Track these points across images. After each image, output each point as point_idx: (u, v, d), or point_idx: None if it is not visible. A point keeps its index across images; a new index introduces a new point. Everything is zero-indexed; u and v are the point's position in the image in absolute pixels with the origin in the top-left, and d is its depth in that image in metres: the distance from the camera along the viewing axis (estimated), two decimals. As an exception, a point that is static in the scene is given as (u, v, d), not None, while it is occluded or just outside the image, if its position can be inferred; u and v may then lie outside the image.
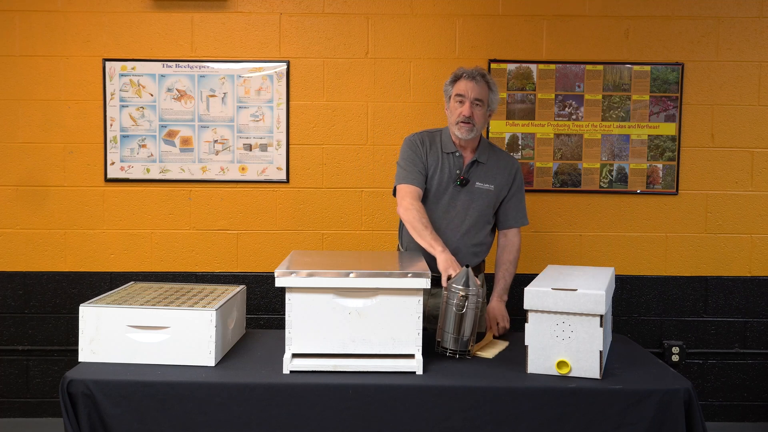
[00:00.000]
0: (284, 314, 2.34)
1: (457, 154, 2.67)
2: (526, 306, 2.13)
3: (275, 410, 2.02)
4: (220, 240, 3.54)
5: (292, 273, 2.10)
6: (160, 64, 3.48)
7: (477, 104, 2.59)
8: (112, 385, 2.04)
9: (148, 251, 3.54)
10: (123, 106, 3.50)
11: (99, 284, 3.52)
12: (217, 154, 3.51)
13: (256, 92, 3.50)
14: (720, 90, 3.53)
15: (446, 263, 2.39)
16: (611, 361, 2.28)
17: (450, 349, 2.27)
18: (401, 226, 2.77)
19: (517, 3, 3.50)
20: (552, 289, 2.10)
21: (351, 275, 2.11)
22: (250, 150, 3.51)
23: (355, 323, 2.12)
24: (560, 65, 3.51)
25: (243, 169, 3.52)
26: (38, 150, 3.51)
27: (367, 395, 2.03)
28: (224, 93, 3.50)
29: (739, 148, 3.55)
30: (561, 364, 2.10)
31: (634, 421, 2.01)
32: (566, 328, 2.10)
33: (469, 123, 2.58)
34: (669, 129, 3.53)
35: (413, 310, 2.12)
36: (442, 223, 2.65)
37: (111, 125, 3.50)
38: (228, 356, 2.30)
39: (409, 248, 2.72)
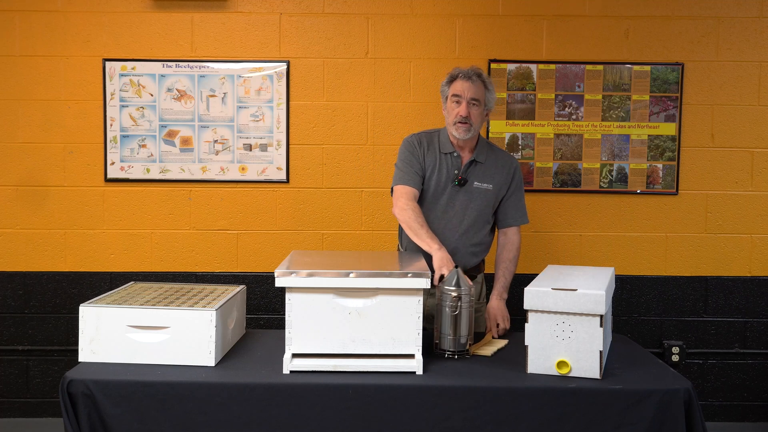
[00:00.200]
0: (284, 314, 2.34)
1: (455, 154, 2.67)
2: (526, 306, 2.13)
3: (275, 410, 2.02)
4: (220, 240, 3.54)
5: (292, 273, 2.10)
6: (160, 64, 3.48)
7: (474, 104, 2.59)
8: (112, 385, 2.04)
9: (148, 251, 3.54)
10: (123, 106, 3.50)
11: (99, 284, 3.52)
12: (217, 154, 3.51)
13: (256, 92, 3.50)
14: (720, 90, 3.53)
15: (440, 261, 2.40)
16: (611, 361, 2.28)
17: (448, 351, 2.28)
18: (400, 227, 2.77)
19: (517, 3, 3.50)
20: (552, 289, 2.10)
21: (351, 275, 2.11)
22: (250, 150, 3.52)
23: (355, 323, 2.12)
24: (560, 65, 3.51)
25: (243, 169, 3.52)
26: (38, 150, 3.51)
27: (367, 395, 2.03)
28: (224, 93, 3.50)
29: (739, 148, 3.55)
30: (561, 364, 2.10)
31: (634, 421, 2.01)
32: (566, 328, 2.10)
33: (466, 123, 2.58)
34: (669, 129, 3.53)
35: (413, 310, 2.12)
36: (441, 223, 2.65)
37: (111, 125, 3.50)
38: (228, 356, 2.30)
39: (409, 248, 2.72)
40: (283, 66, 3.50)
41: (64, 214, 3.52)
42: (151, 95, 3.50)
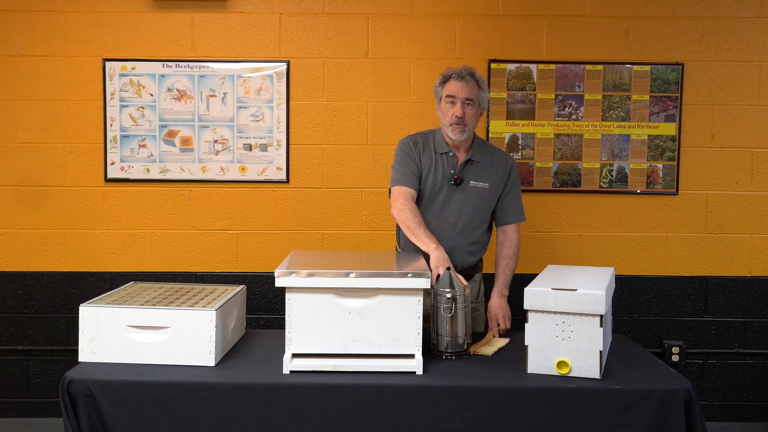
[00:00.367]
0: (284, 314, 2.34)
1: (451, 154, 2.68)
2: (526, 306, 2.13)
3: (275, 410, 2.02)
4: (220, 240, 3.54)
5: (292, 273, 2.10)
6: (160, 64, 3.48)
7: (468, 104, 2.60)
8: (112, 385, 2.04)
9: (148, 251, 3.54)
10: (123, 106, 3.50)
11: (99, 284, 3.52)
12: (217, 154, 3.51)
13: (256, 92, 3.50)
14: (720, 90, 3.53)
15: (437, 261, 2.41)
16: (611, 361, 2.28)
17: (446, 352, 2.28)
18: (398, 226, 2.78)
19: (517, 3, 3.50)
20: (552, 289, 2.10)
21: (351, 275, 2.11)
22: (250, 150, 3.52)
23: (355, 323, 2.12)
24: (560, 65, 3.51)
25: (243, 169, 3.52)
26: (38, 150, 3.51)
27: (367, 395, 2.03)
28: (224, 93, 3.50)
29: (739, 148, 3.55)
30: (561, 364, 2.10)
31: (634, 421, 2.01)
32: (566, 328, 2.10)
33: (461, 124, 2.59)
34: (669, 129, 3.53)
35: (413, 310, 2.12)
36: (438, 222, 2.65)
37: (111, 125, 3.50)
38: (228, 356, 2.30)
39: (407, 248, 2.73)
40: (283, 66, 3.50)
41: (64, 214, 3.52)
42: (151, 95, 3.50)
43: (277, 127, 3.51)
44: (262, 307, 3.56)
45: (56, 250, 3.53)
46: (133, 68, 3.48)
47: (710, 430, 2.40)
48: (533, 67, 3.51)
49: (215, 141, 3.51)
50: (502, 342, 2.46)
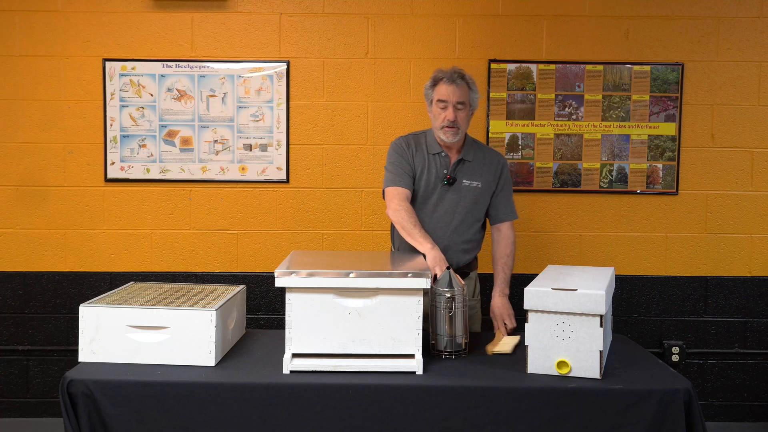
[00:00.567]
0: (284, 314, 2.34)
1: (443, 154, 2.70)
2: (526, 306, 2.13)
3: (275, 410, 2.02)
4: (220, 240, 3.54)
5: (292, 273, 2.10)
6: (160, 64, 3.48)
7: (459, 107, 2.61)
8: (112, 385, 2.04)
9: (148, 251, 3.54)
10: (123, 106, 3.50)
11: (99, 284, 3.52)
12: (217, 154, 3.51)
13: (256, 92, 3.50)
14: (720, 90, 3.53)
15: (434, 261, 2.43)
16: (611, 361, 2.28)
17: (446, 352, 2.28)
18: (392, 227, 2.81)
19: (517, 3, 3.50)
20: (552, 289, 2.10)
21: (351, 275, 2.11)
22: (250, 150, 3.52)
23: (355, 323, 2.12)
24: (560, 65, 3.51)
25: (243, 169, 3.52)
26: (38, 150, 3.51)
27: (367, 395, 2.03)
28: (224, 93, 3.50)
29: (739, 148, 3.55)
30: (561, 364, 2.10)
31: (634, 421, 2.01)
32: (566, 328, 2.10)
33: (454, 127, 2.61)
34: (669, 129, 3.53)
35: (413, 310, 2.12)
36: (432, 222, 2.67)
37: (111, 125, 3.50)
38: (228, 356, 2.30)
39: (401, 249, 2.74)
40: (283, 66, 3.50)
41: (64, 214, 3.52)
42: (151, 95, 3.50)
43: (277, 127, 3.51)
44: (262, 307, 3.56)
45: (56, 250, 3.53)
46: (133, 68, 3.48)
47: (710, 430, 2.40)
48: (533, 67, 3.51)
49: (215, 141, 3.51)
50: (516, 338, 2.45)
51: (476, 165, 2.71)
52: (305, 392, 2.03)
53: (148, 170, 3.51)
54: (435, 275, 2.36)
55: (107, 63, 3.48)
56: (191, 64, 3.49)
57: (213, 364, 2.18)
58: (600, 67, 3.51)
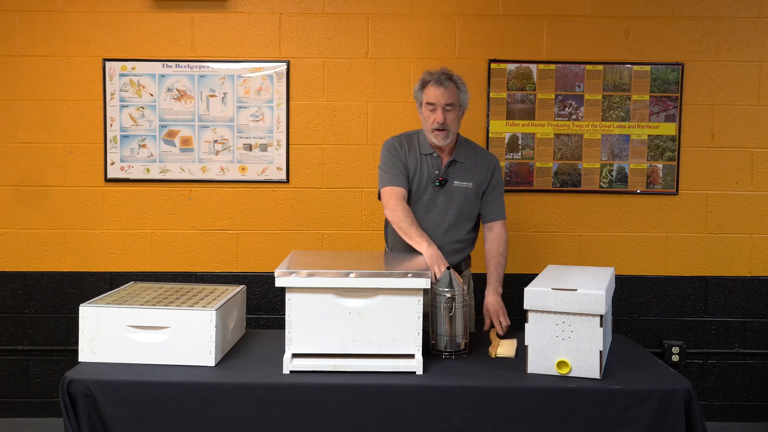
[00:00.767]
0: (284, 314, 2.34)
1: (435, 155, 2.70)
2: (526, 306, 2.13)
3: (275, 410, 2.02)
4: (220, 240, 3.54)
5: (292, 273, 2.10)
6: (160, 64, 3.48)
7: (448, 109, 2.61)
8: (112, 385, 2.04)
9: (148, 251, 3.54)
10: (123, 106, 3.50)
11: (99, 284, 3.52)
12: (217, 154, 3.51)
13: (256, 92, 3.50)
14: (720, 90, 3.53)
15: (431, 259, 2.43)
16: (611, 361, 2.28)
17: (446, 351, 2.29)
18: (386, 227, 2.83)
19: (517, 3, 3.50)
20: (552, 289, 2.10)
21: (351, 275, 2.11)
22: (250, 150, 3.51)
23: (355, 323, 2.12)
24: (560, 65, 3.51)
25: (243, 169, 3.52)
26: (38, 150, 3.51)
27: (367, 395, 2.03)
28: (224, 93, 3.50)
29: (739, 148, 3.55)
30: (561, 364, 2.10)
31: (634, 421, 2.01)
32: (566, 328, 2.10)
33: (443, 130, 2.61)
34: (669, 129, 3.53)
35: (413, 310, 2.12)
36: (423, 222, 2.67)
37: (111, 125, 3.50)
38: (228, 356, 2.30)
39: (395, 248, 2.75)
40: (283, 66, 3.50)
41: (64, 214, 3.52)
42: (151, 95, 3.50)
43: (277, 127, 3.51)
44: (262, 307, 3.56)
45: (56, 250, 3.53)
46: (133, 68, 3.48)
47: (710, 430, 2.40)
48: (533, 67, 3.51)
49: (215, 141, 3.51)
50: (513, 341, 2.44)
51: (468, 166, 2.71)
52: (305, 392, 2.03)
53: (148, 170, 3.51)
54: (434, 274, 2.36)
55: (107, 63, 3.48)
56: (191, 64, 3.49)
57: (213, 364, 2.18)
58: (600, 67, 3.51)
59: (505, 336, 2.54)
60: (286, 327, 2.12)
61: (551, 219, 3.57)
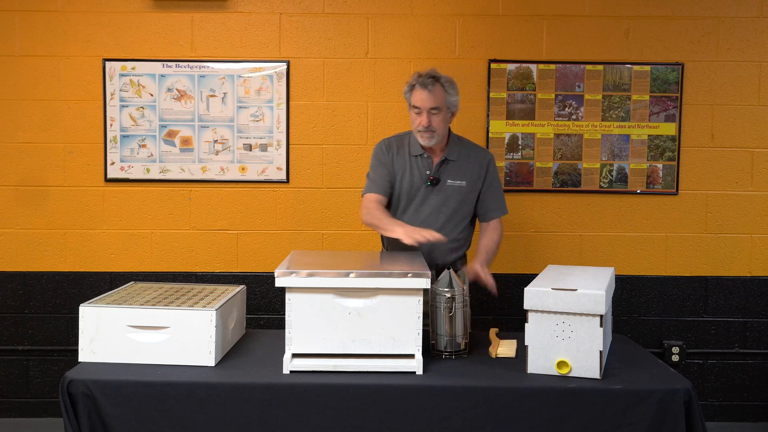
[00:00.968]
0: (284, 314, 2.34)
1: (425, 155, 2.71)
2: (526, 306, 2.13)
3: (275, 410, 2.02)
4: (220, 240, 3.54)
5: (292, 273, 2.10)
6: (160, 64, 3.48)
7: (434, 112, 2.61)
8: (112, 385, 2.04)
9: (148, 251, 3.54)
10: (123, 106, 3.50)
11: (99, 284, 3.52)
12: (217, 154, 3.51)
13: (256, 92, 3.50)
14: (720, 90, 3.53)
15: (406, 231, 2.40)
16: (611, 361, 2.28)
17: (445, 351, 2.29)
18: None
19: (517, 3, 3.50)
20: (552, 289, 2.10)
21: (351, 275, 2.11)
22: (250, 150, 3.51)
23: (355, 323, 2.12)
24: (560, 65, 3.51)
25: (243, 169, 3.52)
26: (38, 150, 3.51)
27: (367, 395, 2.03)
28: (224, 93, 3.50)
29: (739, 148, 3.55)
30: (561, 364, 2.10)
31: (634, 421, 2.01)
32: (566, 328, 2.10)
33: (429, 131, 2.61)
34: (669, 129, 3.53)
35: (413, 310, 2.12)
36: (416, 223, 2.66)
37: (111, 125, 3.50)
38: (228, 356, 2.30)
39: (390, 248, 2.79)
40: (283, 66, 3.50)
41: (64, 214, 3.52)
42: (151, 95, 3.50)
43: (277, 127, 3.51)
44: (262, 307, 3.56)
45: (56, 250, 3.53)
46: (133, 68, 3.48)
47: (710, 430, 2.39)
48: (533, 67, 3.51)
49: (215, 141, 3.51)
50: (513, 342, 2.44)
51: (461, 164, 2.71)
52: (305, 392, 2.03)
53: (148, 170, 3.51)
54: (419, 242, 2.35)
55: (107, 63, 3.48)
56: (191, 64, 3.49)
57: (213, 364, 2.18)
58: (600, 67, 3.51)
59: (505, 336, 2.55)
60: (286, 327, 2.12)
61: (551, 219, 3.57)
